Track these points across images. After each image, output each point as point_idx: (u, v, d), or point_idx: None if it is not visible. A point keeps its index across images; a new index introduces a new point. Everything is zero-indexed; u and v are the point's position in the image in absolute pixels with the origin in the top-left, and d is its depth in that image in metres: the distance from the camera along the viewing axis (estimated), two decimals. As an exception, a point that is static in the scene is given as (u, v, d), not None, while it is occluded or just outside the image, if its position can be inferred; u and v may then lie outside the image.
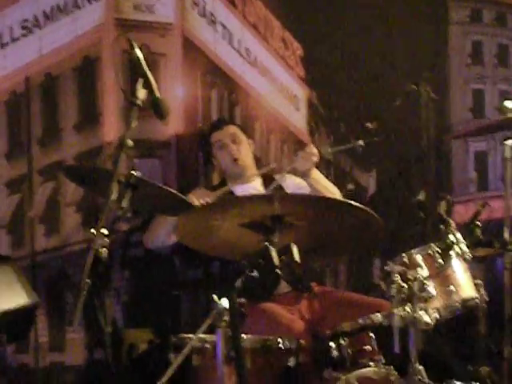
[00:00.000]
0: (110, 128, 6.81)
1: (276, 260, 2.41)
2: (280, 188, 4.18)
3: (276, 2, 8.12)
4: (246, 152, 4.29)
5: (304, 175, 4.03)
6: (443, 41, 9.27)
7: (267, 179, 4.40)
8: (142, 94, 2.71)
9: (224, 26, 7.77)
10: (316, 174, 4.09)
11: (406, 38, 8.40)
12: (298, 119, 8.40)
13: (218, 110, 7.60)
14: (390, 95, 6.38)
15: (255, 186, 4.32)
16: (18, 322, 3.11)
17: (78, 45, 7.07)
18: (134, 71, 2.84)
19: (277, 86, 8.24)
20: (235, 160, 4.21)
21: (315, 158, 4.00)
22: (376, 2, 8.18)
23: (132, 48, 2.76)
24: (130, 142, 2.61)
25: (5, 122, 7.07)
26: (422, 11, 8.80)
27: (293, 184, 4.32)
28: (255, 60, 7.99)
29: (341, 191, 5.39)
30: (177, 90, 7.07)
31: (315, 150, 3.96)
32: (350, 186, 8.34)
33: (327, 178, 5.27)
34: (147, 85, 2.76)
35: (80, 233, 6.77)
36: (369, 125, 5.29)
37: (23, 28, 7.05)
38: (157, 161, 6.67)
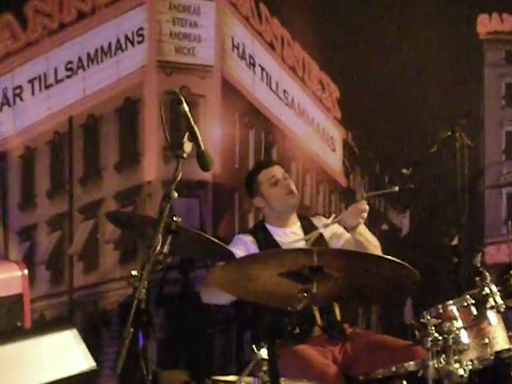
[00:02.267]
0: (150, 168, 6.92)
1: (319, 321, 2.48)
2: (320, 237, 4.24)
3: (314, 44, 8.23)
4: (295, 188, 4.40)
5: (351, 229, 4.10)
6: (479, 84, 9.29)
7: (305, 221, 4.47)
8: (188, 147, 2.82)
9: (262, 69, 7.90)
10: (362, 228, 4.16)
11: (443, 81, 8.45)
12: (333, 160, 8.47)
13: (255, 151, 7.70)
14: (425, 140, 6.45)
15: (294, 231, 4.39)
16: None
17: (121, 86, 7.22)
18: (177, 124, 2.95)
19: (313, 127, 8.33)
20: (291, 192, 4.30)
21: (365, 214, 4.07)
22: (413, 45, 8.26)
23: (179, 102, 2.87)
24: (175, 195, 2.71)
25: (48, 161, 7.22)
26: (458, 54, 8.86)
27: (331, 231, 4.37)
28: (292, 101, 8.10)
29: (375, 231, 5.44)
30: (215, 131, 7.19)
31: (366, 207, 4.03)
32: (385, 227, 8.37)
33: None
34: (193, 138, 2.87)
35: (117, 270, 6.87)
36: (404, 171, 5.35)
37: (67, 69, 7.22)
38: (195, 200, 6.76)
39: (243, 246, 4.32)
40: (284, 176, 4.53)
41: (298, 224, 4.50)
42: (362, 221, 4.16)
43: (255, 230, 4.51)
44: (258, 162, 5.20)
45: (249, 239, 4.40)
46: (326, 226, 4.12)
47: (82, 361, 2.99)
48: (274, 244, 4.31)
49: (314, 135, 8.44)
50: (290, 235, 4.40)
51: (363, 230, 4.22)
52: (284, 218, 4.43)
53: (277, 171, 4.54)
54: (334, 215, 4.26)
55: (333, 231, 4.48)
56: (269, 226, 4.43)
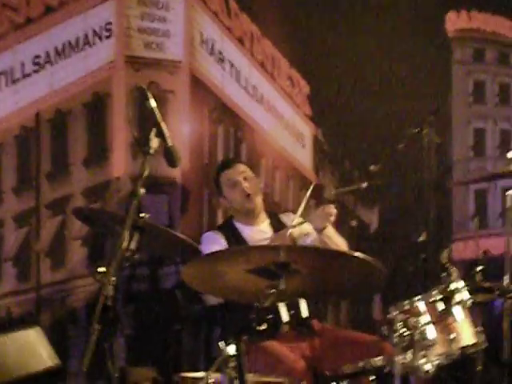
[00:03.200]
0: (119, 164, 6.89)
1: (285, 317, 2.48)
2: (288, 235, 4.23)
3: (283, 40, 8.25)
4: (256, 189, 4.36)
5: (318, 231, 4.09)
6: (447, 81, 9.37)
7: (274, 219, 4.47)
8: (155, 143, 2.81)
9: (232, 64, 7.89)
10: (329, 230, 4.15)
11: (412, 78, 8.51)
12: (303, 156, 8.49)
13: (224, 147, 7.69)
14: (394, 136, 6.48)
15: (263, 228, 4.38)
16: None
17: (89, 81, 7.18)
18: (146, 120, 2.93)
19: (283, 124, 8.34)
20: (248, 196, 4.27)
21: (332, 218, 4.07)
22: (382, 43, 8.30)
23: (146, 98, 2.85)
24: (142, 191, 2.70)
25: (14, 157, 7.16)
26: (426, 51, 8.92)
27: (300, 230, 4.37)
28: (262, 98, 8.10)
29: (344, 228, 5.46)
30: (184, 127, 7.17)
31: (334, 210, 4.03)
32: (353, 223, 8.41)
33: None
34: (160, 134, 2.85)
35: (85, 267, 6.83)
36: (372, 167, 5.38)
37: (35, 64, 7.16)
38: (163, 197, 6.74)
39: (217, 244, 4.31)
40: (244, 176, 4.44)
41: (267, 221, 4.48)
42: (329, 224, 4.16)
43: (223, 228, 4.48)
44: (221, 162, 5.16)
45: (218, 236, 4.38)
46: (293, 227, 4.10)
47: (46, 358, 2.97)
48: (243, 241, 4.30)
49: (283, 131, 8.46)
50: (258, 233, 4.39)
51: (330, 232, 4.21)
52: (251, 216, 4.41)
53: (235, 173, 4.45)
54: (299, 218, 4.24)
55: (300, 230, 4.48)
56: (237, 224, 4.41)
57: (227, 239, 4.35)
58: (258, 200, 4.40)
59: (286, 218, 4.49)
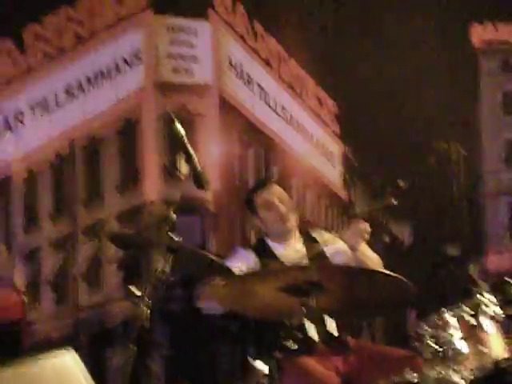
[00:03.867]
0: (151, 188, 6.98)
1: (314, 335, 2.51)
2: (321, 253, 4.27)
3: (310, 60, 8.33)
4: (291, 211, 4.40)
5: (352, 248, 4.11)
6: (474, 93, 9.37)
7: (307, 237, 4.50)
8: (184, 168, 2.86)
9: (260, 86, 7.98)
10: (363, 247, 4.18)
11: (439, 93, 8.54)
12: (333, 174, 8.55)
13: (255, 168, 7.77)
14: (422, 151, 6.52)
15: (296, 247, 4.42)
16: None
17: (120, 108, 7.30)
18: (175, 145, 3.01)
19: (312, 143, 8.42)
20: (282, 219, 4.31)
21: (366, 235, 4.09)
22: (409, 60, 8.35)
23: (174, 124, 2.92)
24: (173, 217, 2.75)
25: (50, 184, 7.30)
26: (452, 64, 8.95)
27: (333, 248, 4.41)
28: (291, 118, 8.19)
29: (377, 243, 5.49)
30: (214, 149, 7.25)
31: (367, 228, 4.05)
32: (386, 239, 8.44)
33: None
34: (189, 159, 2.92)
35: (121, 290, 6.91)
36: (401, 183, 5.41)
37: (67, 93, 7.31)
38: (196, 218, 6.81)
39: (244, 260, 4.35)
40: (280, 198, 4.47)
41: (301, 240, 4.52)
42: (362, 241, 4.18)
43: (257, 246, 4.53)
44: (255, 182, 5.23)
45: (249, 253, 4.43)
46: (325, 244, 4.14)
47: (82, 383, 3.05)
48: (275, 259, 4.34)
49: (313, 150, 8.51)
50: (292, 251, 4.41)
51: (365, 249, 4.24)
52: (285, 236, 4.45)
53: (270, 194, 4.46)
54: (334, 235, 4.29)
55: (335, 248, 4.51)
56: (270, 242, 4.45)
57: (259, 257, 4.39)
58: (293, 221, 4.45)
59: (318, 236, 4.53)
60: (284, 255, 4.32)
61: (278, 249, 4.40)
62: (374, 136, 8.53)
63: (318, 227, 5.55)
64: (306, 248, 4.27)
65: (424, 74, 8.66)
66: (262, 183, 4.98)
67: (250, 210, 4.50)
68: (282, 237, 4.52)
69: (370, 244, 4.44)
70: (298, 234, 4.46)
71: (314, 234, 4.52)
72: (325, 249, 4.27)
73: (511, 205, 11.00)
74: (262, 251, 4.33)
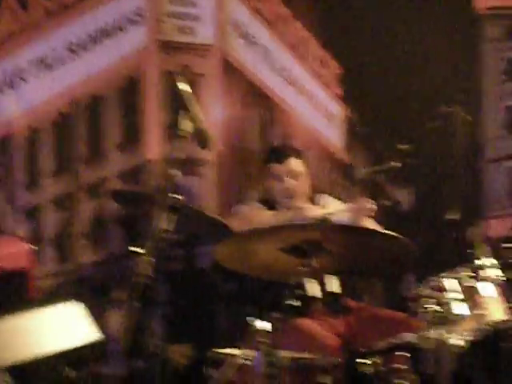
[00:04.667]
0: (152, 146, 6.99)
1: (318, 293, 2.53)
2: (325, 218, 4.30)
3: (314, 22, 8.27)
4: (302, 188, 4.39)
5: (353, 223, 4.14)
6: (478, 59, 9.32)
7: (311, 201, 4.52)
8: (186, 125, 2.86)
9: (263, 47, 7.93)
10: (366, 222, 4.20)
11: (443, 57, 8.49)
12: (335, 136, 8.53)
13: (257, 129, 7.76)
14: (425, 116, 6.50)
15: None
16: (84, 358, 3.28)
17: (122, 66, 7.27)
18: (179, 104, 3.01)
19: (314, 105, 8.38)
20: (285, 197, 4.31)
21: (368, 213, 4.09)
22: (413, 23, 8.29)
23: (177, 81, 2.91)
24: (176, 173, 2.76)
25: (52, 142, 7.29)
26: (457, 30, 8.89)
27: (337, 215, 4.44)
28: (293, 79, 8.15)
29: (376, 206, 5.50)
30: (216, 110, 7.23)
31: (371, 206, 4.05)
32: (386, 202, 8.44)
33: (362, 195, 5.40)
34: (191, 116, 2.91)
35: (123, 248, 6.95)
36: (402, 147, 5.41)
37: (69, 51, 7.27)
38: (198, 179, 6.82)
39: (249, 206, 4.38)
40: (292, 174, 4.47)
41: (307, 203, 4.54)
42: (365, 217, 4.19)
43: (264, 201, 4.56)
44: (272, 150, 5.21)
45: (254, 202, 4.46)
46: (330, 215, 4.17)
47: (88, 332, 3.07)
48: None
49: (315, 112, 8.50)
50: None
51: (369, 224, 4.27)
52: (288, 207, 4.47)
53: (282, 169, 4.47)
54: (337, 207, 4.32)
55: (336, 205, 4.55)
56: (278, 208, 4.48)
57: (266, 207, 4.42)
58: (297, 201, 4.43)
59: (323, 200, 4.54)
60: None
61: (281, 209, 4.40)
62: (377, 99, 8.50)
63: (319, 190, 5.58)
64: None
65: (428, 38, 8.61)
66: (278, 155, 4.98)
67: (262, 176, 4.51)
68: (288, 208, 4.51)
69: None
70: (305, 198, 4.46)
71: (320, 198, 4.53)
72: (326, 211, 4.28)
73: (510, 171, 11.00)
74: (268, 206, 4.35)
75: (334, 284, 2.57)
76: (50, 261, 7.00)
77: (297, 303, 2.59)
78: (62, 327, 3.10)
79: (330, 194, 4.45)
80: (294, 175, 4.65)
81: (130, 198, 3.38)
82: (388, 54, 8.44)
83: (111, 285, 6.77)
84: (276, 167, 4.66)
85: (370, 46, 8.45)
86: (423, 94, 8.21)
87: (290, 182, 4.59)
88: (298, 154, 4.97)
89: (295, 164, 4.71)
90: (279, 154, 5.20)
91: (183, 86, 2.93)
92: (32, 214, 6.97)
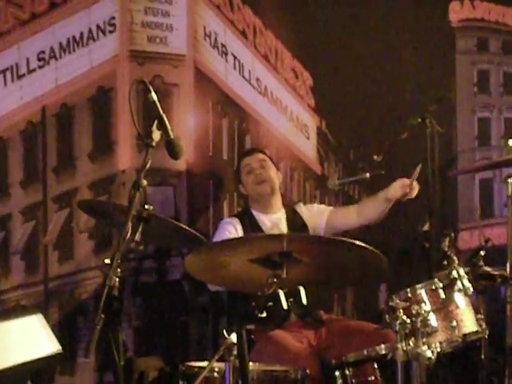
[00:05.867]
0: (124, 156, 6.94)
1: (285, 304, 2.52)
2: (300, 220, 4.31)
3: (286, 32, 8.27)
4: (273, 178, 4.43)
5: (388, 199, 4.22)
6: (450, 71, 9.38)
7: (289, 210, 4.53)
8: (156, 135, 2.85)
9: (235, 57, 7.92)
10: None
11: (415, 68, 8.53)
12: (307, 148, 8.52)
13: (229, 139, 7.73)
14: (397, 127, 6.51)
15: (279, 217, 4.45)
16: (42, 370, 3.24)
17: (93, 76, 7.22)
18: (149, 113, 2.97)
19: (287, 115, 8.38)
20: (260, 182, 4.36)
21: (410, 191, 4.16)
22: (385, 33, 8.32)
23: (148, 91, 2.90)
24: (144, 183, 2.74)
25: (20, 151, 7.21)
26: (429, 41, 8.94)
27: (309, 211, 4.45)
28: (265, 90, 8.14)
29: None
30: (188, 120, 7.21)
31: (415, 187, 4.12)
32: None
33: (334, 205, 5.41)
34: (162, 126, 2.90)
35: (92, 259, 6.89)
36: (375, 157, 5.41)
37: (39, 59, 7.21)
38: (169, 189, 6.79)
39: (232, 229, 4.39)
40: (261, 164, 4.57)
41: (282, 211, 4.57)
42: (404, 196, 4.29)
43: (242, 214, 4.58)
44: (242, 150, 5.27)
45: (235, 221, 4.47)
46: (364, 178, 4.33)
47: (47, 344, 3.02)
48: (258, 228, 4.38)
49: (287, 123, 8.49)
50: (274, 221, 4.46)
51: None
52: (266, 204, 4.50)
53: (253, 159, 4.60)
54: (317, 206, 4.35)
55: (312, 210, 4.56)
56: (254, 212, 4.51)
57: (243, 225, 4.43)
58: (271, 188, 4.47)
59: (299, 209, 4.56)
60: (267, 226, 4.36)
61: (261, 217, 4.42)
62: (350, 110, 8.51)
63: (291, 201, 5.57)
64: (288, 220, 4.31)
65: (401, 49, 8.65)
66: (248, 150, 5.08)
67: (236, 178, 4.57)
68: (263, 205, 4.53)
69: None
70: (281, 205, 4.49)
71: (296, 207, 4.54)
72: (303, 215, 4.30)
73: (483, 183, 11.07)
74: (247, 219, 4.36)
75: (303, 296, 2.56)
76: (18, 272, 6.91)
77: (269, 315, 2.56)
78: (22, 340, 3.05)
79: (303, 203, 4.44)
80: (262, 165, 4.72)
81: (99, 209, 3.34)
82: (360, 66, 8.46)
83: (80, 297, 6.70)
84: (246, 159, 4.74)
85: (341, 58, 8.47)
86: (396, 106, 8.24)
87: (260, 170, 4.65)
88: (263, 151, 5.04)
89: (262, 156, 4.80)
90: (247, 150, 5.30)
91: (153, 95, 2.91)
92: (0, 224, 6.87)
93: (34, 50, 7.32)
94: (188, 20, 7.35)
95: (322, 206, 4.55)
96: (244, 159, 4.62)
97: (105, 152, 7.12)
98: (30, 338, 2.95)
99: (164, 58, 7.20)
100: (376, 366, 3.47)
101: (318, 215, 4.55)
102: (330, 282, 3.19)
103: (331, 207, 4.44)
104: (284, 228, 4.51)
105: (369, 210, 4.50)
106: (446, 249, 3.67)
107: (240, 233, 4.38)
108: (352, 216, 4.57)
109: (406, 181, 4.27)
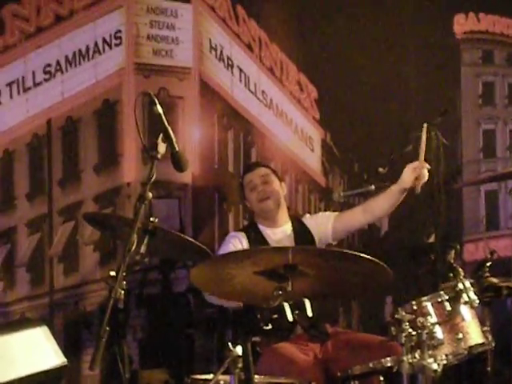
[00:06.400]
0: (129, 169, 6.95)
1: (290, 316, 2.51)
2: (305, 229, 4.31)
3: (291, 45, 8.30)
4: (276, 192, 4.41)
5: (402, 187, 4.19)
6: (456, 83, 9.39)
7: (296, 222, 4.53)
8: (162, 148, 2.85)
9: (241, 70, 7.95)
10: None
11: (420, 81, 8.54)
12: (312, 160, 8.54)
13: (234, 152, 7.75)
14: (402, 139, 6.51)
15: (285, 230, 4.44)
16: (46, 382, 3.23)
17: (99, 89, 7.25)
18: (154, 125, 2.98)
19: (292, 128, 8.39)
20: (261, 201, 4.34)
21: (422, 172, 4.13)
22: (390, 46, 8.34)
23: (153, 104, 2.90)
24: (149, 195, 2.74)
25: (26, 164, 7.24)
26: (435, 54, 8.95)
27: (314, 220, 4.45)
28: (271, 102, 8.16)
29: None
30: (194, 132, 7.23)
31: (425, 165, 4.09)
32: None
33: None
34: (167, 139, 2.90)
35: (97, 271, 6.89)
36: (381, 170, 5.40)
37: (46, 73, 7.24)
38: (175, 201, 6.79)
39: (238, 243, 4.37)
40: (264, 180, 4.53)
41: (289, 224, 4.54)
42: (416, 180, 4.25)
43: (248, 229, 4.56)
44: (245, 165, 5.27)
45: (241, 235, 4.45)
46: (368, 191, 4.29)
47: (52, 357, 3.02)
48: (264, 242, 4.36)
49: (292, 135, 8.51)
50: (280, 234, 4.44)
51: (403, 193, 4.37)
52: (272, 218, 4.47)
53: (255, 176, 4.54)
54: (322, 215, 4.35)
55: (317, 219, 4.54)
56: (260, 226, 4.48)
57: (249, 239, 4.41)
58: (275, 203, 4.45)
59: (306, 221, 4.54)
60: (273, 239, 4.33)
61: (268, 233, 4.40)
62: (354, 122, 8.53)
63: (296, 213, 5.56)
64: (295, 232, 4.29)
65: (406, 62, 8.66)
66: (249, 166, 5.04)
67: (241, 193, 4.54)
68: (268, 220, 4.51)
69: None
70: (287, 218, 4.46)
71: (304, 220, 4.52)
72: (308, 225, 4.28)
73: (488, 195, 11.06)
74: (253, 233, 4.33)
75: (308, 309, 2.56)
76: (23, 284, 6.92)
77: (274, 327, 2.56)
78: (26, 352, 3.05)
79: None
80: (265, 180, 4.69)
81: (105, 222, 3.35)
82: (365, 78, 8.48)
83: (85, 309, 6.70)
84: (248, 175, 4.70)
85: (347, 70, 8.49)
86: (401, 118, 8.24)
87: (262, 186, 4.62)
88: (266, 165, 5.02)
89: (265, 170, 4.76)
90: (249, 165, 5.26)
91: (158, 108, 2.91)
92: (5, 237, 6.89)
93: (40, 64, 7.36)
94: (194, 33, 7.39)
95: (327, 213, 4.52)
96: (246, 175, 4.59)
97: (110, 165, 7.15)
98: (35, 351, 2.95)
99: (169, 71, 7.23)
100: (382, 378, 3.45)
101: (322, 223, 4.53)
102: (335, 294, 3.18)
103: (335, 213, 4.42)
104: (291, 241, 4.49)
105: (378, 205, 4.45)
106: (452, 261, 3.66)
107: (245, 247, 4.37)
108: (358, 216, 4.55)
109: (415, 163, 4.24)
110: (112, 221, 3.29)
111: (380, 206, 4.45)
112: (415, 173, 4.25)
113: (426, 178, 4.27)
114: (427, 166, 4.21)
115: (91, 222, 3.47)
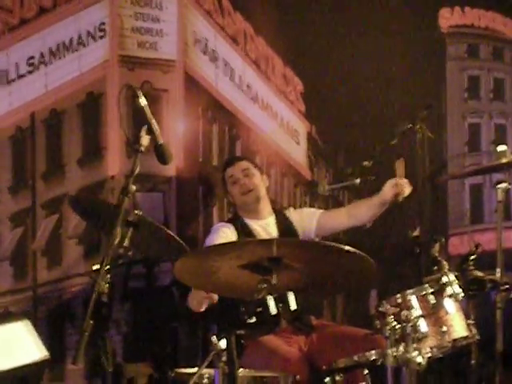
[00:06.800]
0: (113, 162, 6.92)
1: (273, 309, 2.49)
2: (289, 224, 4.30)
3: (277, 38, 8.28)
4: (258, 185, 4.39)
5: (384, 200, 4.17)
6: (441, 77, 9.41)
7: (279, 215, 4.51)
8: (145, 140, 2.81)
9: (226, 63, 7.92)
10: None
11: (405, 75, 8.55)
12: (297, 153, 8.53)
13: (219, 145, 7.72)
14: (387, 133, 6.51)
15: (269, 223, 4.42)
16: (29, 376, 3.21)
17: (83, 81, 7.21)
18: (139, 118, 2.95)
19: (277, 121, 8.38)
20: (243, 194, 4.32)
21: (403, 189, 4.12)
22: (375, 40, 8.33)
23: (137, 96, 2.86)
24: (133, 188, 2.70)
25: (9, 157, 7.20)
26: (419, 48, 8.96)
27: (299, 215, 4.44)
28: (256, 96, 8.14)
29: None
30: (178, 125, 7.20)
31: (407, 189, 4.08)
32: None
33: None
34: (151, 132, 2.86)
35: (81, 265, 6.86)
36: (365, 163, 5.39)
37: (29, 65, 7.19)
38: (159, 195, 6.77)
39: (228, 232, 4.36)
40: (246, 173, 4.50)
41: (272, 217, 4.52)
42: (397, 195, 4.23)
43: (235, 221, 4.54)
44: (225, 160, 5.24)
45: (230, 226, 4.43)
46: (353, 184, 4.25)
47: (34, 351, 3.00)
48: (251, 234, 4.34)
49: (277, 128, 8.50)
50: (264, 226, 4.42)
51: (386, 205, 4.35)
52: (254, 210, 4.45)
53: (236, 169, 4.51)
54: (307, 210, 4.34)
55: (302, 213, 4.53)
56: (244, 219, 4.46)
57: (237, 231, 4.39)
58: (257, 195, 4.44)
59: (289, 214, 4.53)
60: (257, 231, 4.31)
61: (252, 225, 4.37)
62: (340, 116, 8.53)
63: (282, 206, 5.57)
64: (278, 225, 4.26)
65: (391, 56, 8.66)
66: (230, 160, 4.99)
67: (223, 187, 4.51)
68: (251, 212, 4.49)
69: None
70: (270, 210, 4.44)
71: (287, 213, 4.50)
72: (293, 220, 4.26)
73: (473, 189, 11.10)
74: (240, 227, 4.31)
75: (292, 301, 2.53)
76: (6, 278, 6.88)
77: (258, 320, 2.54)
78: (8, 346, 3.03)
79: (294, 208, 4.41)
80: (246, 174, 4.66)
81: (89, 207, 3.30)
82: (351, 72, 8.47)
83: (68, 303, 6.66)
84: (229, 170, 4.66)
85: (332, 64, 8.48)
86: (386, 112, 8.25)
87: (244, 180, 4.59)
88: (246, 158, 4.98)
89: (246, 164, 4.72)
90: (230, 160, 5.22)
91: (142, 100, 2.88)
92: (-11, 229, 6.85)
93: (23, 56, 7.31)
94: (178, 25, 7.35)
95: (312, 209, 4.51)
96: (227, 170, 4.56)
97: (94, 158, 7.11)
98: (17, 345, 2.93)
99: (154, 64, 7.20)
100: (366, 371, 3.44)
101: (307, 218, 4.52)
102: (320, 287, 3.16)
103: (321, 210, 4.41)
104: (274, 233, 4.48)
105: (361, 212, 4.45)
106: (437, 254, 3.65)
107: (234, 237, 4.35)
108: (342, 218, 4.54)
109: (395, 179, 4.24)
110: (97, 207, 3.25)
111: (363, 213, 4.44)
112: (394, 190, 4.24)
113: (407, 193, 4.27)
114: (407, 183, 4.19)
115: (75, 207, 3.42)
